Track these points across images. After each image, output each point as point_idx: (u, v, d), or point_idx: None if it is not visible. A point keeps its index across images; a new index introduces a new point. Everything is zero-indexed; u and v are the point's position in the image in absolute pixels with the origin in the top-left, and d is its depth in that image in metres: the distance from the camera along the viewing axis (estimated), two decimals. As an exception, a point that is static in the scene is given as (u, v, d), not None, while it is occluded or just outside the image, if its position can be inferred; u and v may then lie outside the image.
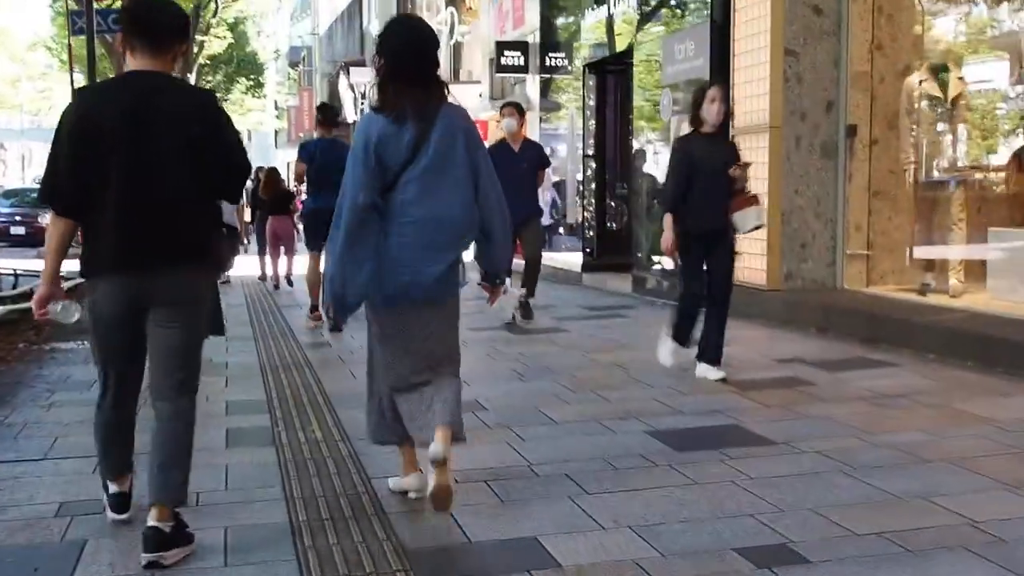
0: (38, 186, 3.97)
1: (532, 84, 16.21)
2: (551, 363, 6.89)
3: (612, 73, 13.36)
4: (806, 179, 8.80)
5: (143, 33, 3.38)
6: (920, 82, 8.34)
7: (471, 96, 20.01)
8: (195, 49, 32.99)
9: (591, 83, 13.49)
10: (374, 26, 30.96)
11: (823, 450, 4.43)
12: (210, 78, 41.07)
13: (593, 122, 13.50)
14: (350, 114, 32.22)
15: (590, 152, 13.53)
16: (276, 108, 54.78)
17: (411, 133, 3.59)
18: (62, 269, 3.49)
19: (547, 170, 9.76)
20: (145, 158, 3.29)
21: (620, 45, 12.71)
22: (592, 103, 13.49)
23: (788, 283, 8.82)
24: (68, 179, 3.31)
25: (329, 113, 9.84)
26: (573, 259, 13.68)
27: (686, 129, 10.44)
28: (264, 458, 4.61)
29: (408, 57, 3.64)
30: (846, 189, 8.72)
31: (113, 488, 3.70)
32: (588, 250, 13.56)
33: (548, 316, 8.90)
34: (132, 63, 3.41)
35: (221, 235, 3.61)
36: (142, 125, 3.27)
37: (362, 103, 30.09)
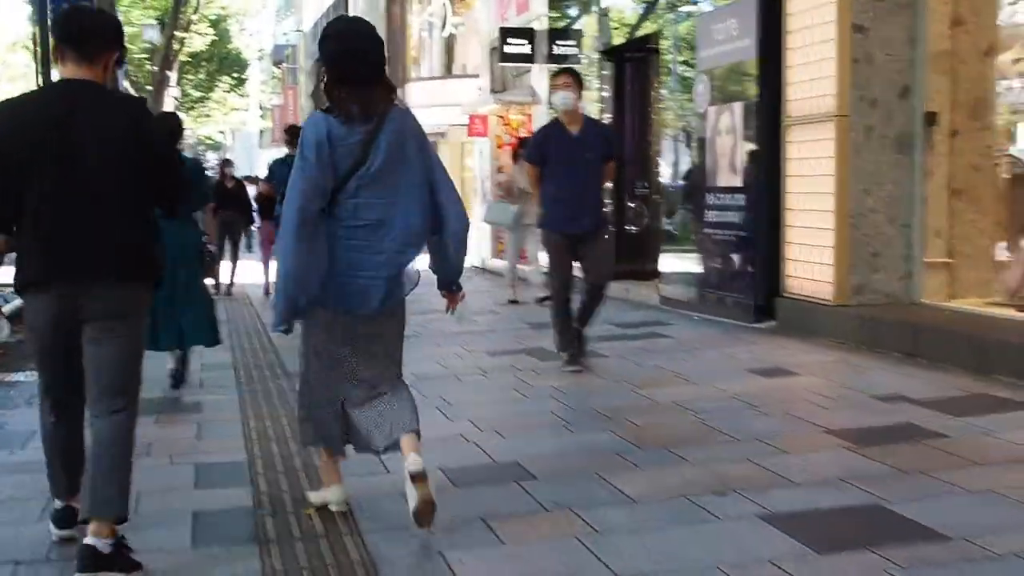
0: None
1: (539, 74, 14.90)
2: (598, 403, 5.62)
3: (631, 61, 12.13)
4: (877, 176, 7.53)
5: (72, 41, 3.35)
6: (1015, 61, 7.12)
7: (469, 91, 18.74)
8: (176, 46, 31.79)
9: (607, 72, 12.24)
10: (362, 20, 29.67)
11: (1022, 552, 3.18)
12: (191, 76, 39.87)
13: (609, 115, 12.25)
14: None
15: (606, 148, 12.25)
16: (260, 108, 53.60)
17: (359, 134, 3.53)
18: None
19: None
20: (70, 171, 3.22)
21: (640, 29, 11.49)
22: (608, 94, 12.24)
23: (857, 297, 7.56)
24: None
25: (298, 134, 9.87)
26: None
27: (728, 120, 9.39)
28: (243, 567, 3.33)
29: (348, 59, 3.58)
30: (924, 188, 7.49)
31: (59, 503, 3.55)
32: (606, 255, 12.30)
33: (575, 336, 7.60)
34: (63, 71, 3.38)
35: (155, 248, 3.45)
36: (66, 137, 3.22)
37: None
